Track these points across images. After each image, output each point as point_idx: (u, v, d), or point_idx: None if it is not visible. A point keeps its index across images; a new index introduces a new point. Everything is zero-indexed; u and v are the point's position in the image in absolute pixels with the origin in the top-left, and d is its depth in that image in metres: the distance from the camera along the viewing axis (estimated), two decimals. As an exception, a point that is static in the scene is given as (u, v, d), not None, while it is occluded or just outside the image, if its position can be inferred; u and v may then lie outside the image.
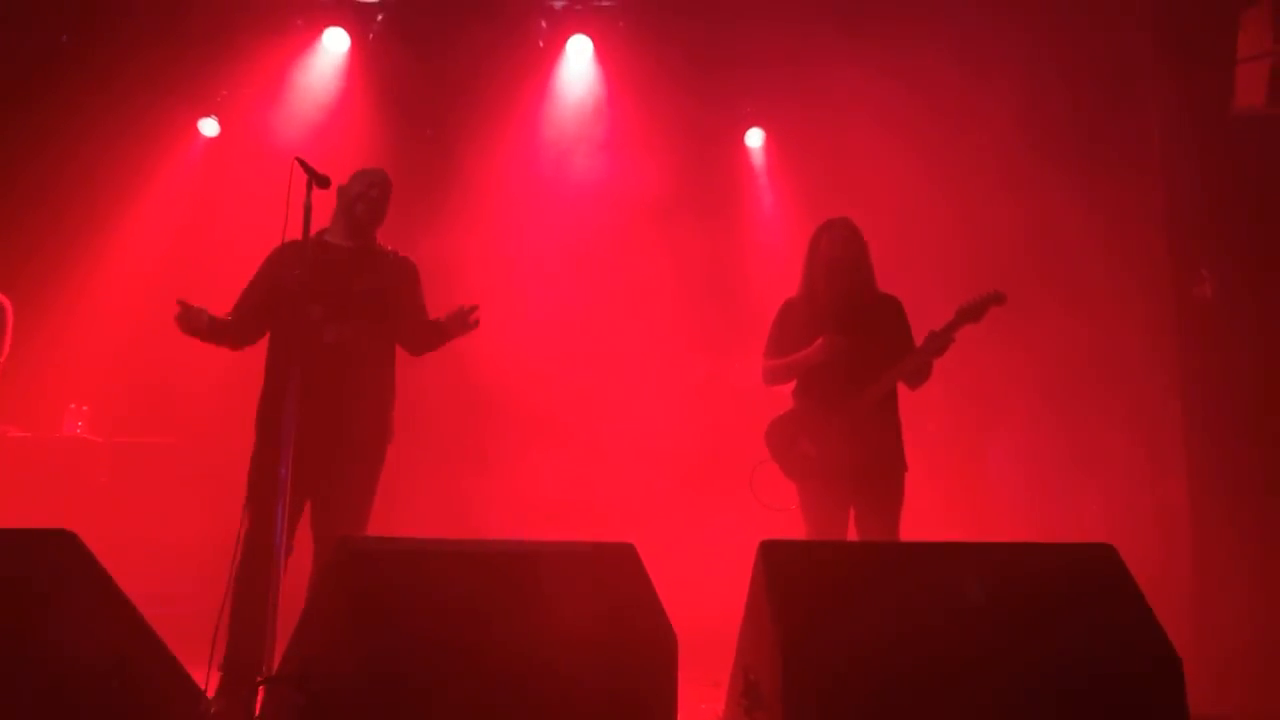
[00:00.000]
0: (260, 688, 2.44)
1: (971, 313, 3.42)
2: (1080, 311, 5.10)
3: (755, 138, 6.46)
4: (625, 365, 5.67)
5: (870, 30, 5.58)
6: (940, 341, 3.46)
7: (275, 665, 2.60)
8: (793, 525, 3.68)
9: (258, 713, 2.59)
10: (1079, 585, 2.36)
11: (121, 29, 5.90)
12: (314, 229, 3.42)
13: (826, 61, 5.64)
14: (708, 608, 3.73)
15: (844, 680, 2.10)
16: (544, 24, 6.18)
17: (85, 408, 5.47)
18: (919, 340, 3.55)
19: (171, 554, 4.70)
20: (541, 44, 6.19)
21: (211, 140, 6.27)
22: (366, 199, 3.54)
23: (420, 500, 4.72)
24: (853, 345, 3.53)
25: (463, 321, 3.46)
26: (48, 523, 2.24)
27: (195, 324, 3.34)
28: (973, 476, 5.22)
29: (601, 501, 5.16)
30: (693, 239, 5.76)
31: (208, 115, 6.24)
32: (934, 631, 2.20)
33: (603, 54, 6.19)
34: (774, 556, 2.26)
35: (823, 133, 5.89)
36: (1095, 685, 2.18)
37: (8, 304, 4.00)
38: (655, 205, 5.78)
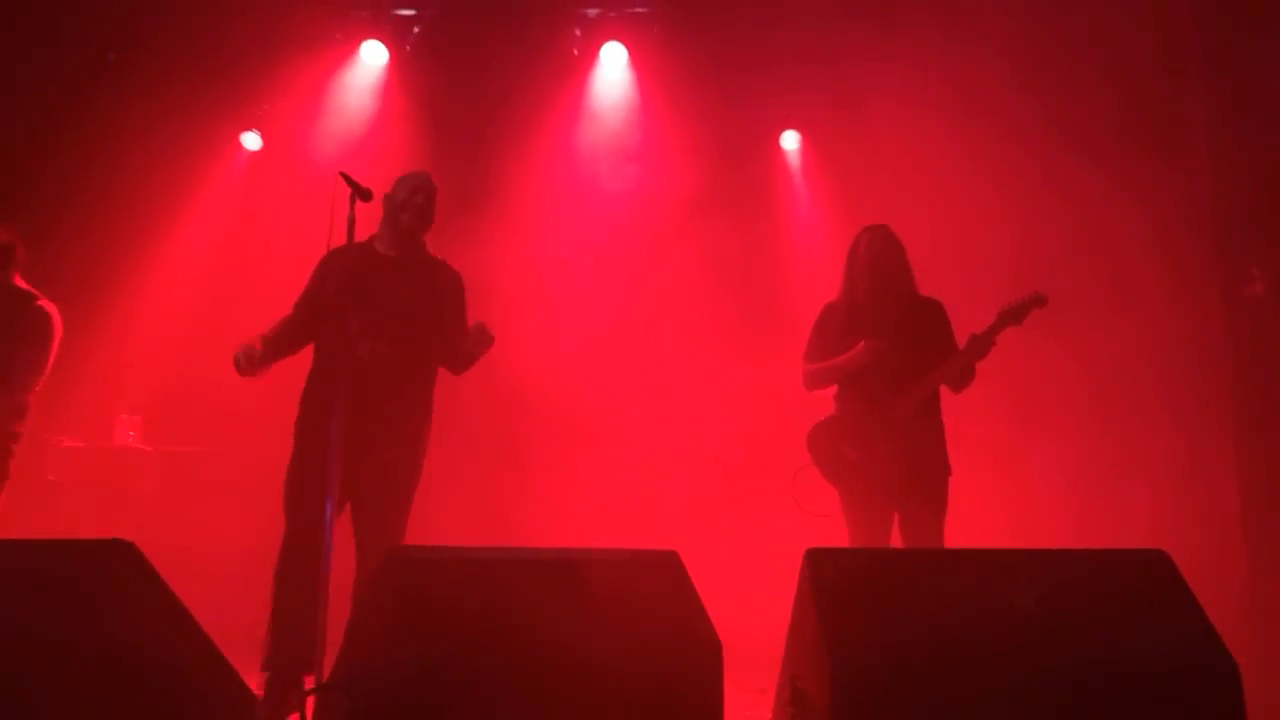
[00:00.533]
0: (308, 695, 2.48)
1: (1013, 315, 3.43)
2: (1126, 312, 5.02)
3: (790, 140, 6.44)
4: (664, 371, 5.67)
5: (906, 29, 5.54)
6: (982, 344, 3.46)
7: (323, 669, 2.65)
8: (835, 531, 3.67)
9: (308, 718, 2.63)
10: (1132, 592, 2.32)
11: (165, 46, 6.03)
12: (365, 235, 3.48)
13: (861, 61, 5.61)
14: (751, 614, 3.73)
15: (892, 688, 2.09)
16: (578, 32, 6.22)
17: (137, 418, 5.60)
18: (961, 343, 3.53)
19: (218, 560, 4.77)
20: (576, 52, 6.23)
21: (254, 154, 6.39)
22: (411, 206, 3.53)
23: (461, 509, 4.75)
24: (894, 349, 3.52)
25: (483, 337, 3.44)
26: (102, 530, 2.29)
27: (251, 357, 3.36)
28: (1017, 481, 5.14)
29: (642, 509, 5.16)
30: (730, 242, 5.75)
31: (250, 129, 6.37)
32: (983, 639, 2.18)
33: (637, 60, 6.22)
34: (820, 564, 2.25)
35: (859, 133, 5.85)
36: (1151, 694, 2.14)
37: (55, 312, 3.98)
38: (691, 209, 5.77)
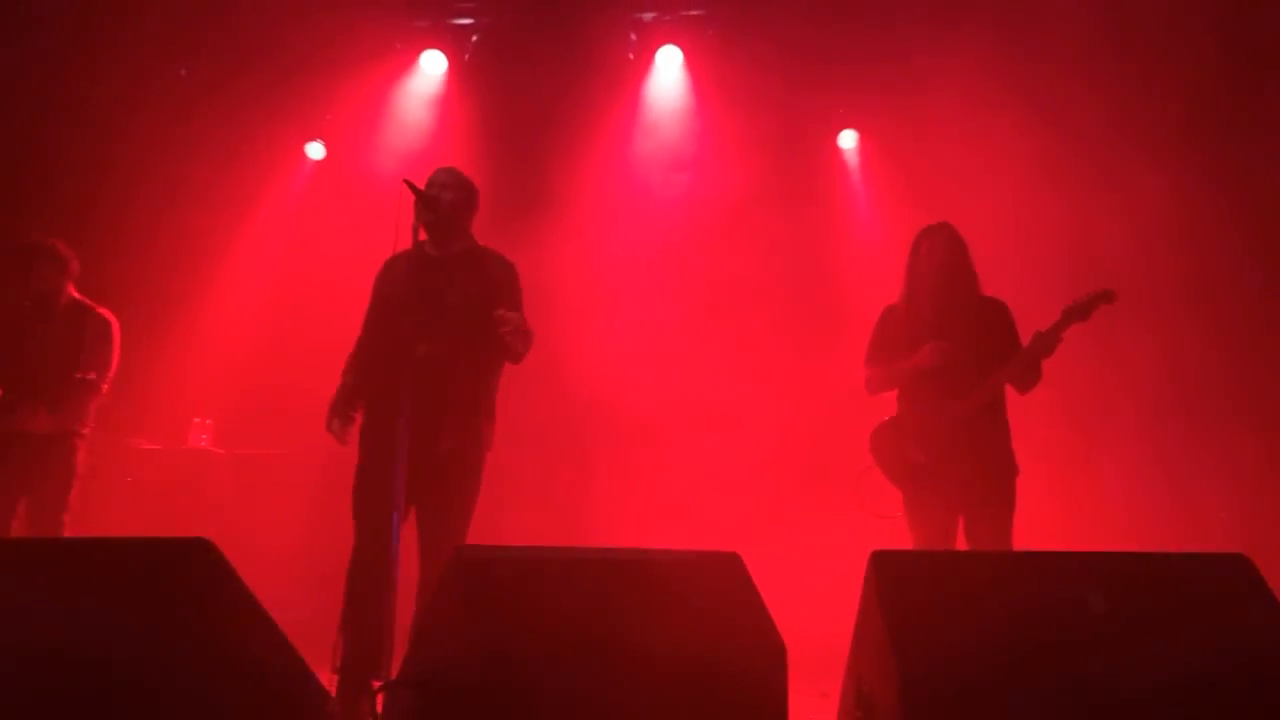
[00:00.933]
0: (379, 692, 2.53)
1: (1079, 312, 3.36)
2: (1204, 309, 4.88)
3: (848, 139, 6.39)
4: (725, 371, 5.66)
5: (966, 25, 5.45)
6: (1047, 342, 3.40)
7: (392, 668, 2.71)
8: (896, 532, 3.63)
9: (373, 716, 2.68)
10: (1211, 596, 2.25)
11: (232, 60, 6.22)
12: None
13: (920, 58, 5.54)
14: (810, 616, 3.70)
15: (962, 692, 2.05)
16: (633, 37, 6.25)
17: (209, 421, 5.78)
18: (1026, 342, 3.47)
19: (287, 559, 4.89)
20: (631, 56, 6.26)
21: (318, 163, 6.56)
22: (432, 201, 3.44)
23: (525, 509, 4.81)
24: (958, 350, 3.47)
25: (516, 334, 3.37)
26: (177, 530, 2.36)
27: (345, 424, 3.52)
28: (1087, 482, 5.02)
29: (702, 510, 5.16)
30: (789, 243, 5.74)
31: (314, 139, 6.54)
32: (1055, 644, 2.13)
33: (693, 63, 6.22)
34: (886, 567, 2.22)
35: (917, 131, 5.78)
36: (1232, 702, 2.07)
37: (114, 320, 4.19)
38: (749, 210, 5.76)
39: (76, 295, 4.18)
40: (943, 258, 3.58)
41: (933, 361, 3.49)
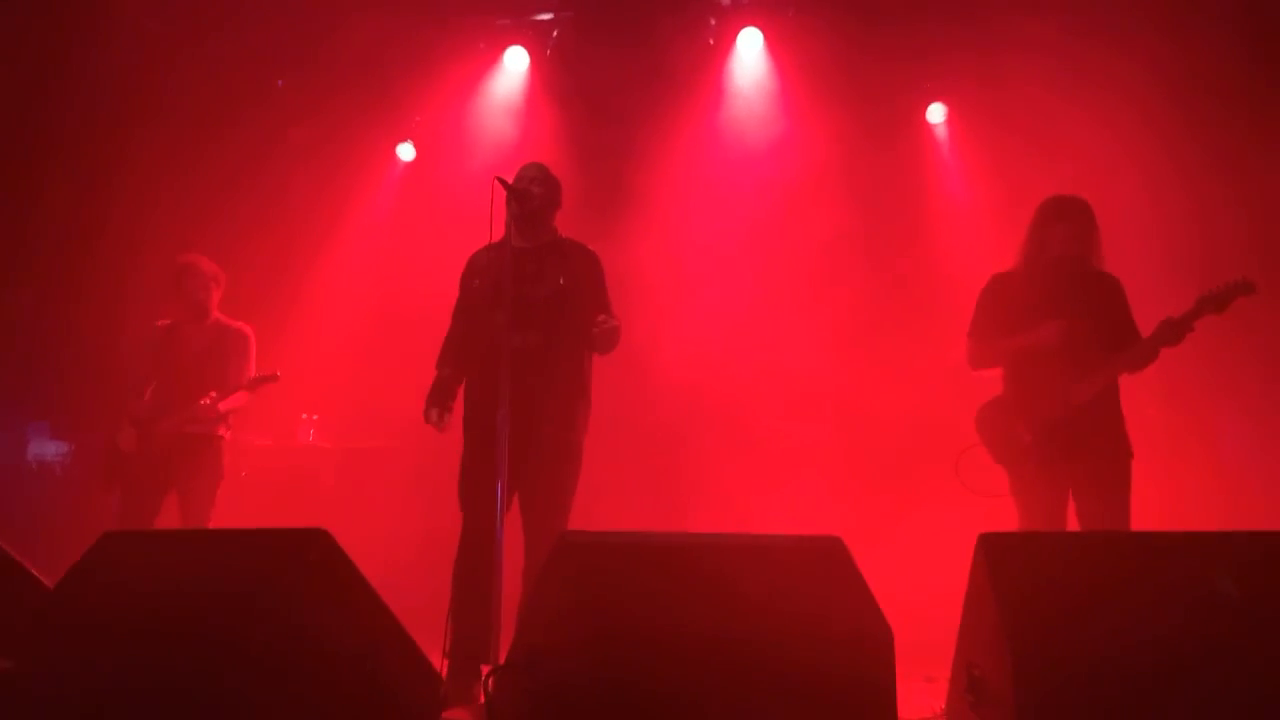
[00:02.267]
0: (486, 674, 2.60)
1: (1214, 302, 3.19)
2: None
3: (937, 113, 6.22)
4: (816, 354, 5.58)
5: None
6: (1177, 331, 3.24)
7: (499, 652, 2.78)
8: (997, 514, 3.53)
9: (484, 698, 2.76)
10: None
11: (325, 69, 6.42)
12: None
13: (1009, 24, 5.34)
14: (912, 600, 3.63)
15: (1079, 676, 1.99)
16: (713, 21, 6.21)
17: (316, 417, 6.02)
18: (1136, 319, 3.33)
19: (393, 549, 5.04)
20: (712, 41, 6.22)
21: (409, 164, 6.73)
22: (522, 195, 3.51)
23: (619, 495, 4.83)
24: (1083, 329, 3.36)
25: (605, 335, 3.46)
26: (287, 522, 2.48)
27: (443, 414, 3.61)
28: (1204, 465, 4.78)
29: (796, 494, 5.12)
30: (877, 221, 5.63)
31: (404, 141, 6.71)
32: (1179, 626, 2.05)
33: (773, 44, 6.15)
34: (996, 549, 2.17)
35: (1009, 101, 5.59)
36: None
37: (251, 333, 4.62)
38: (836, 190, 5.67)
39: (217, 313, 4.63)
40: (1077, 231, 3.42)
41: (1056, 340, 3.36)
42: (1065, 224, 3.45)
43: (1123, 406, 3.45)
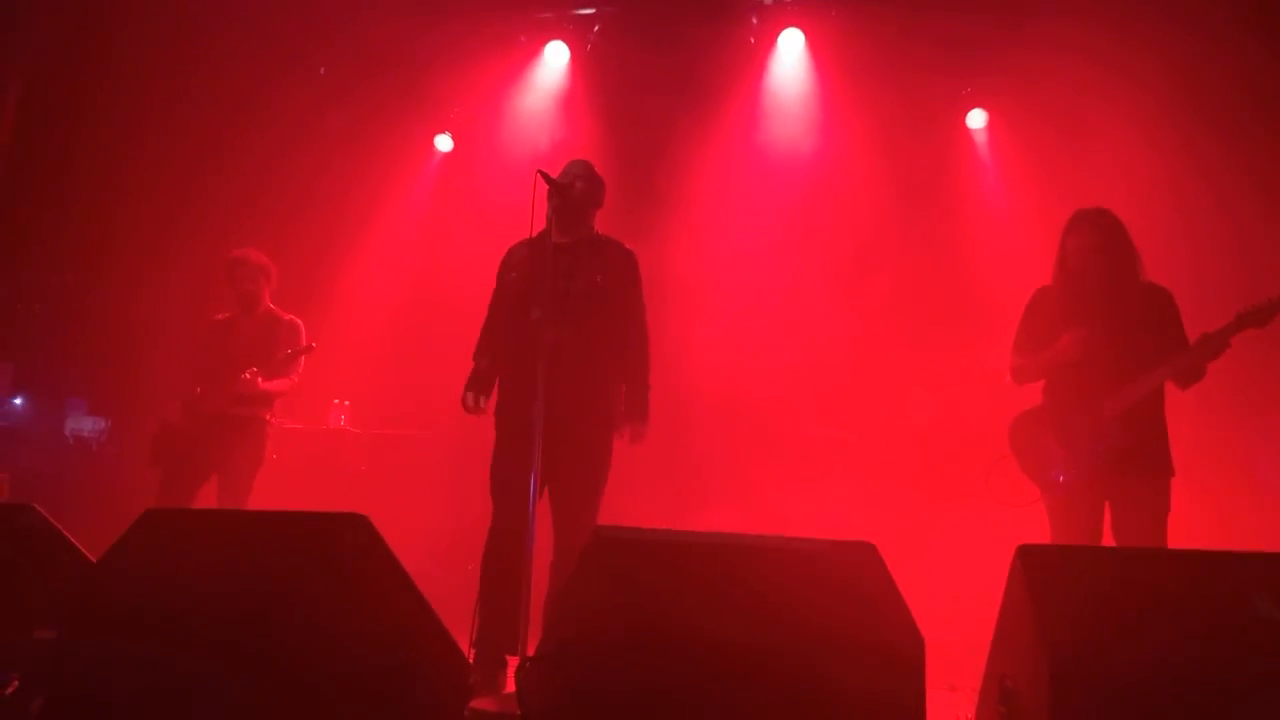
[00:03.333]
0: (517, 665, 2.62)
1: (1255, 317, 3.13)
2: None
3: (977, 119, 6.17)
4: (851, 359, 5.57)
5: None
6: (1215, 345, 3.18)
7: (527, 644, 2.80)
8: (1028, 525, 3.50)
9: (512, 688, 2.78)
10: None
11: (367, 58, 6.48)
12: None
13: (1049, 29, 5.30)
14: (939, 608, 3.61)
15: (1115, 690, 1.98)
16: (755, 20, 6.20)
17: (347, 403, 6.08)
18: (1192, 337, 3.26)
19: (420, 535, 5.07)
20: (753, 40, 6.21)
21: (446, 154, 6.77)
22: (566, 192, 3.50)
23: (648, 494, 4.85)
24: (1107, 340, 3.31)
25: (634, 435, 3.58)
26: (317, 505, 2.52)
27: (476, 408, 3.64)
28: (1241, 484, 4.71)
29: (827, 499, 5.10)
30: (915, 225, 5.59)
31: (442, 132, 6.75)
32: (1220, 647, 2.03)
33: (815, 45, 6.13)
34: (1035, 561, 2.16)
35: (1050, 106, 5.54)
36: None
37: (301, 325, 4.72)
38: (874, 192, 5.65)
39: (269, 304, 4.74)
40: (1100, 240, 3.40)
41: (1073, 353, 3.34)
42: (1074, 236, 3.45)
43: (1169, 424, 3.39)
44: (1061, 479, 3.37)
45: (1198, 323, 3.30)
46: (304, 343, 4.62)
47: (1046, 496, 3.43)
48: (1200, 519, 3.70)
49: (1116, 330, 3.33)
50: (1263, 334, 3.18)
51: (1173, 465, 3.34)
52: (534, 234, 3.49)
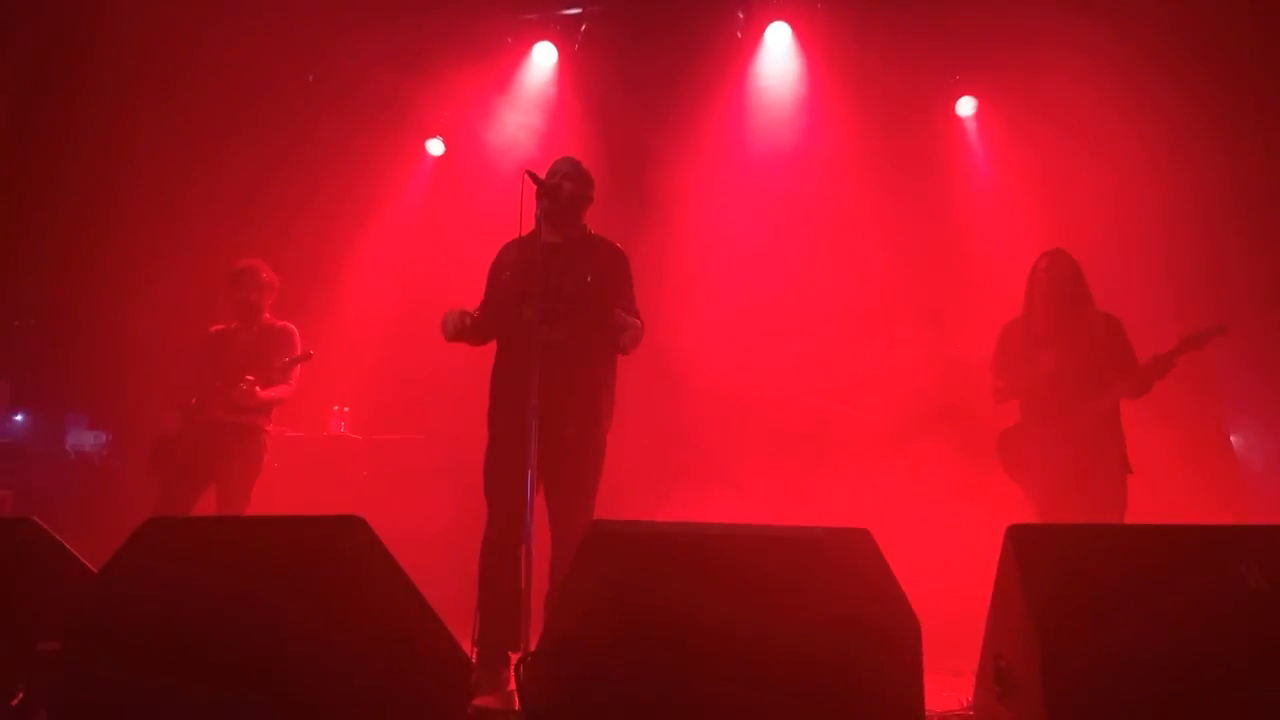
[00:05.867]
0: (516, 661, 2.64)
1: (1193, 343, 3.66)
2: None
3: (966, 106, 6.18)
4: (842, 348, 5.59)
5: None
6: (1162, 366, 3.70)
7: (529, 641, 2.82)
8: (1023, 505, 3.62)
9: (512, 685, 2.80)
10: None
11: (356, 64, 6.49)
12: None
13: (1039, 17, 5.32)
14: (939, 593, 3.64)
15: (1107, 666, 2.00)
16: (741, 16, 6.21)
17: (347, 409, 6.09)
18: (1142, 357, 3.79)
19: (422, 538, 5.09)
20: (740, 35, 6.22)
21: (438, 158, 6.78)
22: (554, 190, 3.52)
23: (648, 489, 4.87)
24: (1072, 363, 3.83)
25: (627, 333, 3.53)
26: (322, 511, 2.53)
27: (460, 325, 3.57)
28: (1233, 477, 4.80)
29: (820, 488, 5.12)
30: (905, 214, 5.60)
31: (433, 136, 6.77)
32: (1209, 620, 2.05)
33: (802, 37, 6.14)
34: (1025, 541, 2.18)
35: (1039, 94, 5.55)
36: None
37: (295, 330, 4.73)
38: (864, 183, 5.66)
39: (267, 315, 4.77)
40: (1057, 278, 3.91)
41: (1052, 370, 3.84)
42: (1039, 275, 3.97)
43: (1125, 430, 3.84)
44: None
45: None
46: (299, 348, 4.63)
47: (1032, 504, 3.86)
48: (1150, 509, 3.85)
49: (1080, 354, 3.86)
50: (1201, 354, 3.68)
51: (1130, 464, 3.82)
52: (524, 234, 3.50)
